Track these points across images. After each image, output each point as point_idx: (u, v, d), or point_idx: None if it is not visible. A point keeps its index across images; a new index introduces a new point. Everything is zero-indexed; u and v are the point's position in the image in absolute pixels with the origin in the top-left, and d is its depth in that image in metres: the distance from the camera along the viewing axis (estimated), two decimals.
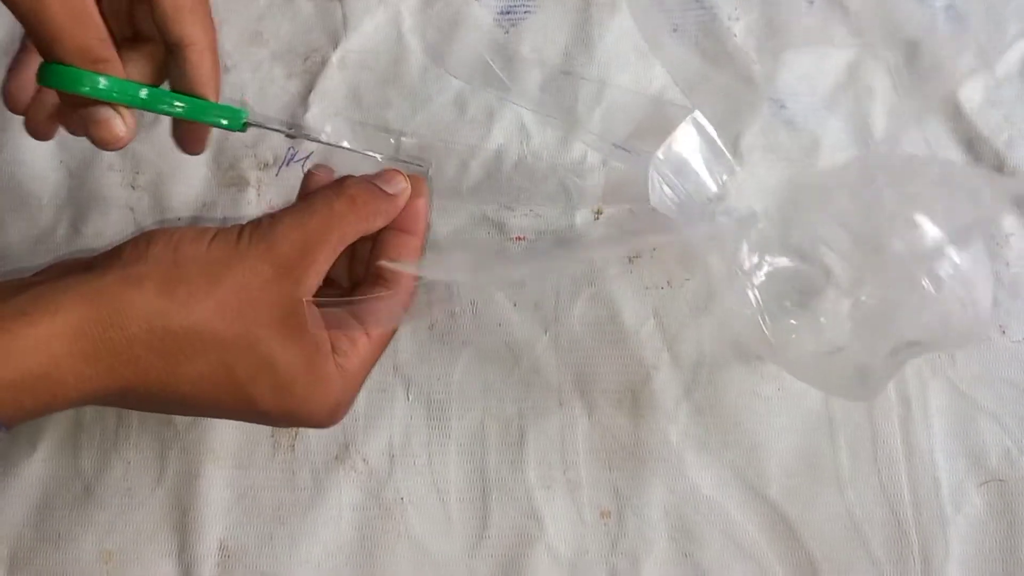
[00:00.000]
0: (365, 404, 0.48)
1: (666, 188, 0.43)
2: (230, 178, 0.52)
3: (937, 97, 0.44)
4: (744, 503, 0.46)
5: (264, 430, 0.47)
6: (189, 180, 0.52)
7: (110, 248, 0.36)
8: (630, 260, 0.50)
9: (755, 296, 0.41)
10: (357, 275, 0.41)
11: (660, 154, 0.44)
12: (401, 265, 0.39)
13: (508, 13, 0.55)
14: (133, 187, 0.52)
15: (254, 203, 0.52)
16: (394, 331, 0.40)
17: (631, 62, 0.53)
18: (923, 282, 0.40)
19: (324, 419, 0.38)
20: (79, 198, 0.52)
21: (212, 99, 0.39)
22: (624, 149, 0.47)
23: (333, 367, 0.37)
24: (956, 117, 0.52)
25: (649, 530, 0.46)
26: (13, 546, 0.46)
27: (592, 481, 0.47)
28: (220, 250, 0.35)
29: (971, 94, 0.53)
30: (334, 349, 0.37)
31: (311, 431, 0.47)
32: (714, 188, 0.46)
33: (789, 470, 0.47)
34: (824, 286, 0.42)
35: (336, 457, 0.47)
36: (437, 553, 0.46)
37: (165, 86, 0.39)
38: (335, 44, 0.54)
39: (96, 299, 0.33)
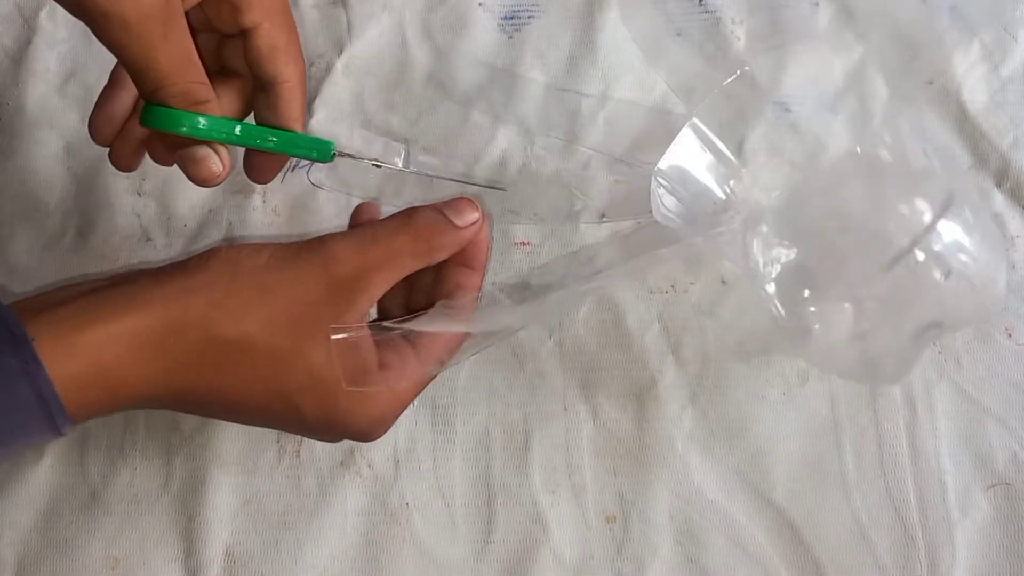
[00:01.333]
0: None
1: (670, 199, 0.43)
2: (236, 184, 0.52)
3: (925, 79, 0.43)
4: (749, 507, 0.46)
5: (269, 436, 0.48)
6: (195, 187, 0.52)
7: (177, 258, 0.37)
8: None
9: (772, 290, 0.41)
10: (416, 306, 0.42)
11: (662, 165, 0.44)
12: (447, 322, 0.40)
13: (512, 18, 0.55)
14: (139, 194, 0.52)
15: (260, 209, 0.52)
16: (447, 355, 0.40)
17: (635, 66, 0.53)
18: (935, 269, 0.40)
19: (364, 434, 0.39)
20: (86, 205, 0.52)
21: (300, 132, 0.40)
22: (625, 162, 0.47)
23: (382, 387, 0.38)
24: (961, 119, 0.52)
25: (654, 535, 0.46)
26: (20, 552, 0.46)
27: (597, 486, 0.47)
28: (276, 266, 0.37)
29: (976, 96, 0.53)
30: (384, 367, 0.38)
31: None
32: (720, 194, 0.46)
33: (794, 474, 0.46)
34: (840, 274, 0.42)
35: (341, 463, 0.47)
36: (442, 558, 0.46)
37: (249, 118, 0.41)
38: (340, 50, 0.55)
39: (158, 306, 0.35)
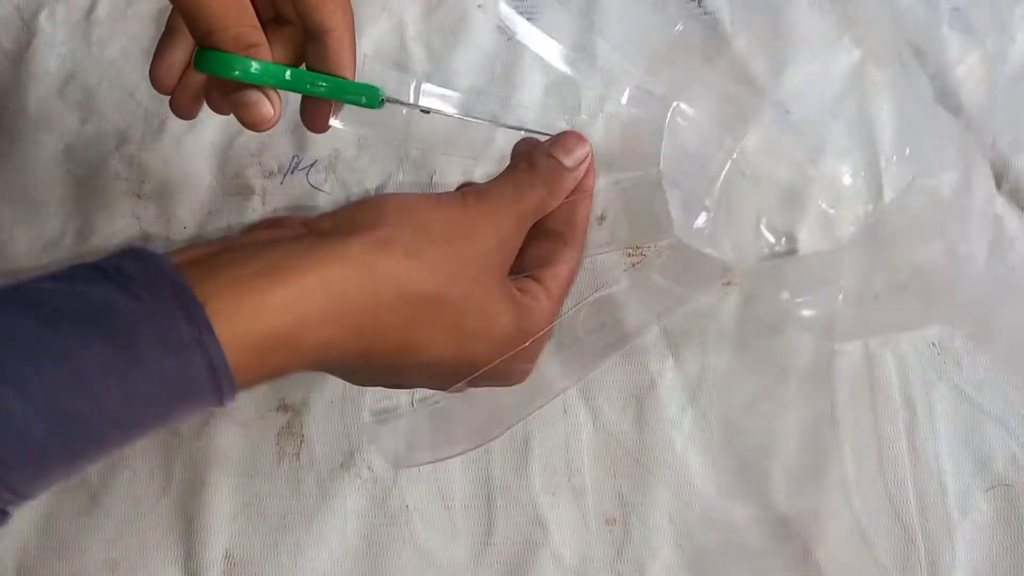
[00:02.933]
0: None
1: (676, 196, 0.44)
2: (235, 186, 0.52)
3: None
4: (749, 509, 0.46)
5: (269, 438, 0.48)
6: (194, 189, 0.52)
7: (326, 213, 0.37)
8: (633, 266, 0.50)
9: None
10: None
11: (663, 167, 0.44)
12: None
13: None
14: (139, 196, 0.52)
15: (259, 211, 0.52)
16: (570, 284, 0.41)
17: (632, 69, 0.53)
18: None
19: (523, 374, 0.40)
20: (86, 207, 0.52)
21: (350, 79, 0.40)
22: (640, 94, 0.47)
23: (534, 327, 0.38)
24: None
25: (654, 536, 0.46)
26: (19, 555, 0.46)
27: (597, 488, 0.47)
28: (452, 216, 0.36)
29: (975, 97, 0.53)
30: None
31: (316, 439, 0.48)
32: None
33: (794, 476, 0.46)
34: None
35: (341, 465, 0.47)
36: (442, 560, 0.46)
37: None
38: None
39: (347, 261, 0.33)
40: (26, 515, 0.47)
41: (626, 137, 0.48)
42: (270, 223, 0.37)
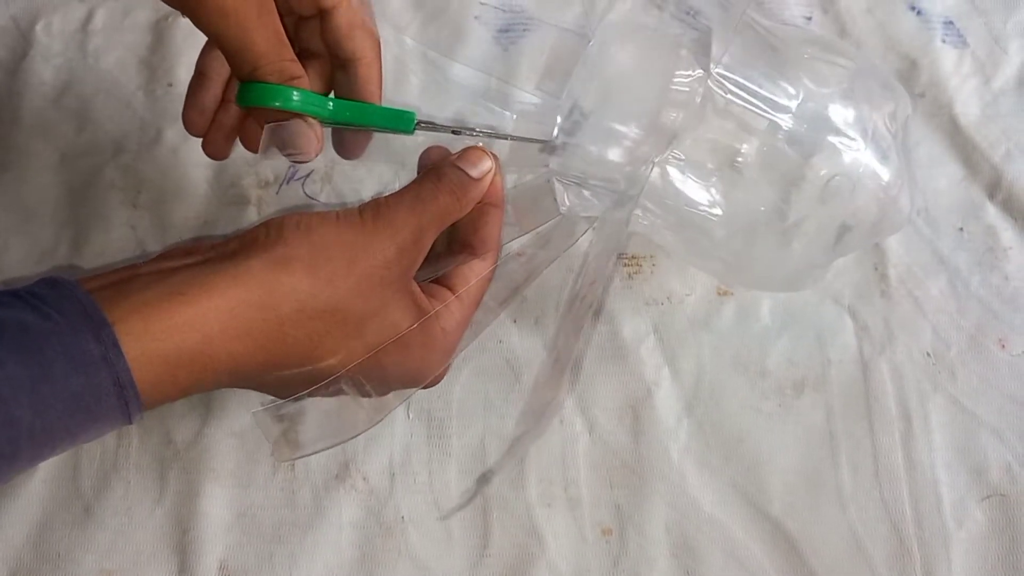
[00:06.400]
0: None
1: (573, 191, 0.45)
2: (231, 196, 0.52)
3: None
4: (746, 520, 0.46)
5: (264, 449, 0.47)
6: (190, 199, 0.52)
7: (233, 235, 0.38)
8: (630, 276, 0.50)
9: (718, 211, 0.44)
10: (436, 246, 0.43)
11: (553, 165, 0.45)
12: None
13: (507, 31, 0.56)
14: (134, 206, 0.52)
15: (255, 221, 0.52)
16: (482, 292, 0.42)
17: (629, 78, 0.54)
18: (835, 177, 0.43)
19: (436, 376, 0.41)
20: (81, 217, 0.52)
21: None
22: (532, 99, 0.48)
23: (439, 329, 0.39)
24: (953, 131, 0.53)
25: (651, 547, 0.46)
26: (13, 567, 0.46)
27: (593, 498, 0.47)
28: (350, 233, 0.37)
29: (968, 108, 0.53)
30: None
31: None
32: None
33: (790, 486, 0.46)
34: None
35: (336, 476, 0.47)
36: (438, 571, 0.46)
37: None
38: None
39: (247, 281, 0.35)
40: (19, 526, 0.46)
41: (516, 148, 0.48)
42: (184, 250, 0.39)
